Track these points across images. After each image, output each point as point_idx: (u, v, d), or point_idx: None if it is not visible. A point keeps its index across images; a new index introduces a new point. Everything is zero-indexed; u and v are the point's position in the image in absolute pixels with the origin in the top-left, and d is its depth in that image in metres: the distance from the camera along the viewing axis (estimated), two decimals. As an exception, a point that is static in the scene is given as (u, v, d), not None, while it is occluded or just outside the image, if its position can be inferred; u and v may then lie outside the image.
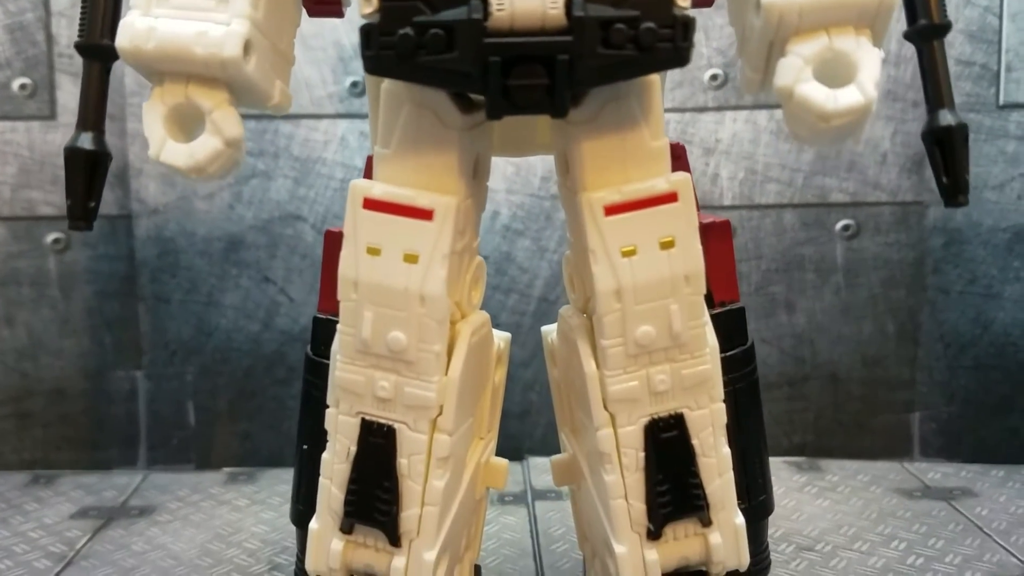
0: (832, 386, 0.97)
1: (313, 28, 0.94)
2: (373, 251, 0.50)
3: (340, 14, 0.58)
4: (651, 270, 0.49)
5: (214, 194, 0.94)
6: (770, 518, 0.65)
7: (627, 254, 0.49)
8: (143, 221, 0.94)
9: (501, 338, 0.60)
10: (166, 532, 0.80)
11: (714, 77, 0.94)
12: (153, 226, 0.94)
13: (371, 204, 0.50)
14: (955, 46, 0.93)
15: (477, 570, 0.64)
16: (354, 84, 0.94)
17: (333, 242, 0.60)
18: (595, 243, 0.49)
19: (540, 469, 0.92)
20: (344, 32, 0.94)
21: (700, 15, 0.48)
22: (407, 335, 0.49)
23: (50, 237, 0.95)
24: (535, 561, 0.74)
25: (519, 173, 0.95)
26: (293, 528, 0.67)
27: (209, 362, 0.96)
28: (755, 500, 0.63)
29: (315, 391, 0.61)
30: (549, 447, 0.92)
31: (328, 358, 0.54)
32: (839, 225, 0.95)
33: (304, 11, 0.56)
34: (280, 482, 0.90)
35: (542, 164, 0.95)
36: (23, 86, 0.94)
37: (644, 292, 0.49)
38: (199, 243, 0.95)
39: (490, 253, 0.91)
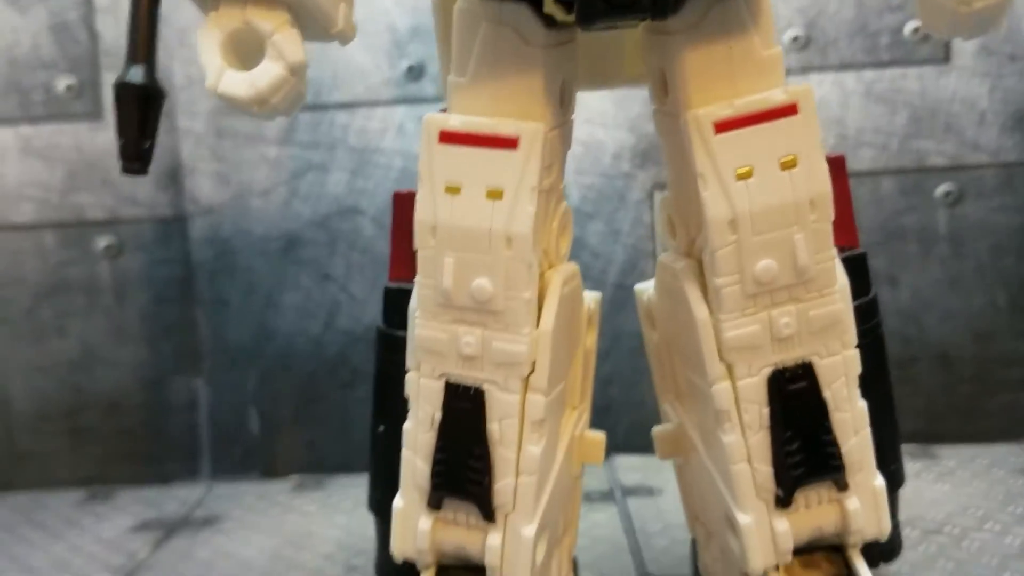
0: (942, 367, 0.89)
1: (365, 12, 0.89)
2: (452, 189, 0.45)
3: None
4: (771, 194, 0.43)
5: (270, 191, 0.90)
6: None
7: (742, 176, 0.44)
8: (198, 222, 0.90)
9: (591, 298, 0.55)
10: (233, 540, 0.75)
11: (796, 38, 0.88)
12: (208, 227, 0.90)
13: (448, 137, 0.45)
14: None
15: (574, 562, 0.58)
16: (410, 68, 0.90)
17: (402, 204, 0.55)
18: (704, 165, 0.44)
19: (627, 468, 0.86)
20: (398, 15, 0.90)
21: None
22: (493, 282, 0.44)
23: (102, 243, 0.92)
24: (633, 556, 0.67)
25: (588, 152, 0.89)
26: (369, 533, 0.61)
27: (271, 367, 0.91)
28: (886, 469, 0.56)
29: (390, 368, 0.56)
30: (634, 445, 0.85)
31: (402, 329, 0.48)
32: (940, 191, 0.88)
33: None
34: (351, 487, 0.84)
35: (612, 141, 0.89)
36: (69, 87, 0.91)
37: (763, 220, 0.44)
38: (256, 242, 0.90)
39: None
